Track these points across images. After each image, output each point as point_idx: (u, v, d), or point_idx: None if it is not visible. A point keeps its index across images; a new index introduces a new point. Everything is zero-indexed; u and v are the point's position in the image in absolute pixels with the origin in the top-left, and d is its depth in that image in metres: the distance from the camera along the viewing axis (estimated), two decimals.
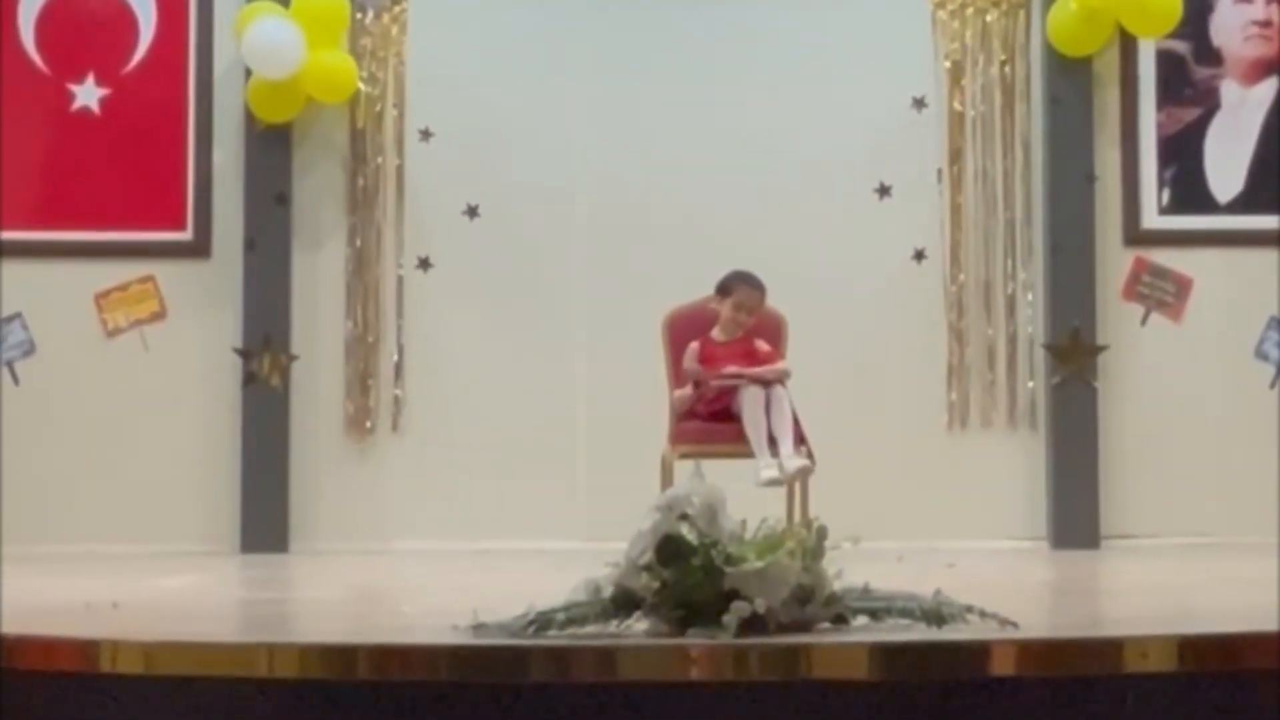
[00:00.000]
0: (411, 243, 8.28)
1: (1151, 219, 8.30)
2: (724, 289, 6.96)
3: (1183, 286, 8.29)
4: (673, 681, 3.28)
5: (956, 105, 8.33)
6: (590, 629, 3.46)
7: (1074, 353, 8.15)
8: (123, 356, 8.19)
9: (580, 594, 3.54)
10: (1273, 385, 8.27)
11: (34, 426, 8.12)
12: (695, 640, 3.36)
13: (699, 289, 7.12)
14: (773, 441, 6.64)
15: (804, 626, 3.50)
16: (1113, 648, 3.38)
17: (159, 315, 8.22)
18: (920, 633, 3.47)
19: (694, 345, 6.89)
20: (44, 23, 8.28)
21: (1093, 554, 7.81)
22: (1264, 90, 8.33)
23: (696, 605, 3.44)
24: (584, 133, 8.31)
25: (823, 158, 8.28)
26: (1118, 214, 8.29)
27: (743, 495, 4.08)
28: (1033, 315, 8.26)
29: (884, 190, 8.29)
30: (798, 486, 6.63)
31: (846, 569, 3.64)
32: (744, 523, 3.58)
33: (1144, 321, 8.29)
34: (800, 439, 6.70)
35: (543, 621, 3.47)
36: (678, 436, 6.85)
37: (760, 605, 3.41)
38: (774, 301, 7.04)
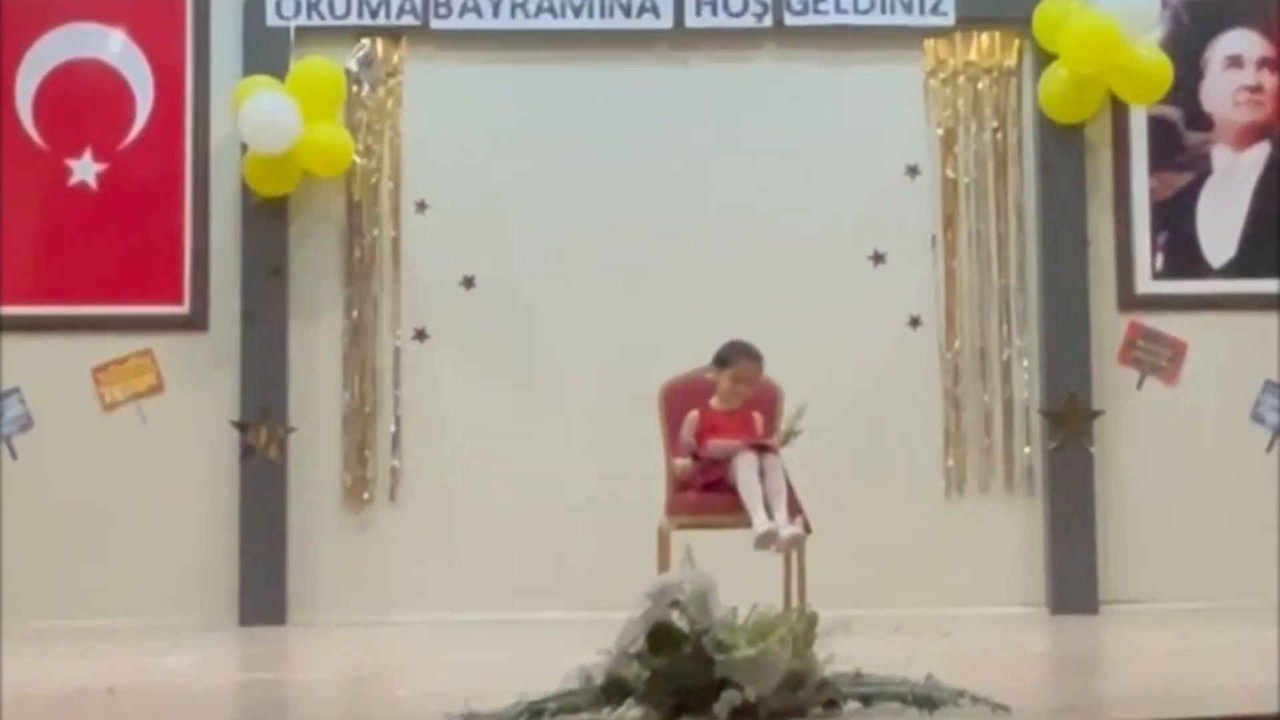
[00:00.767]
0: (408, 314, 8.29)
1: (1145, 284, 8.31)
2: (721, 360, 6.94)
3: (1177, 351, 8.29)
4: None
5: (949, 172, 8.36)
6: (582, 718, 3.45)
7: (1070, 418, 8.15)
8: (120, 430, 8.18)
9: (572, 682, 3.54)
10: (1269, 448, 8.27)
11: (31, 501, 8.10)
12: None
13: (695, 359, 7.09)
14: (767, 508, 6.63)
15: (796, 713, 3.49)
16: None
17: (156, 389, 8.22)
18: (912, 718, 3.45)
19: (693, 414, 6.86)
20: (41, 98, 8.31)
21: (1091, 620, 7.78)
22: (1255, 154, 8.36)
23: (688, 693, 3.44)
24: (580, 202, 8.32)
25: (816, 225, 8.29)
26: (1111, 279, 8.30)
27: (739, 566, 4.09)
28: (1028, 381, 8.26)
29: (878, 258, 8.30)
30: (794, 557, 6.59)
31: (841, 646, 3.63)
32: (735, 609, 3.57)
33: (1139, 386, 8.29)
34: (795, 509, 6.68)
35: (534, 711, 3.47)
36: (674, 507, 6.81)
37: (751, 693, 3.41)
38: (770, 370, 7.01)
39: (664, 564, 6.32)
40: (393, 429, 8.23)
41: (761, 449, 6.71)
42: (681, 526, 6.53)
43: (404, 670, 5.87)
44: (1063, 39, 8.09)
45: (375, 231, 8.30)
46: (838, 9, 8.29)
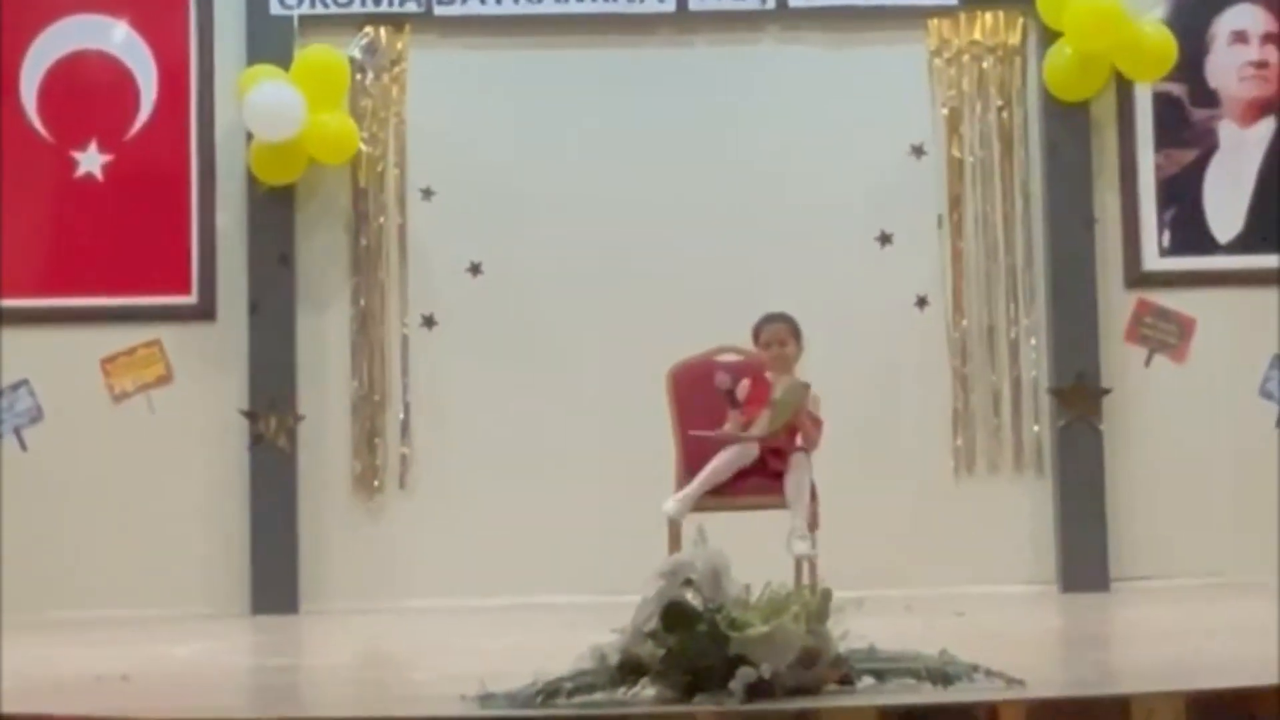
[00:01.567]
0: (415, 301, 8.30)
1: (1153, 261, 8.32)
2: (755, 334, 6.95)
3: (1185, 327, 8.31)
4: None
5: (955, 152, 8.36)
6: (598, 697, 3.45)
7: (1079, 396, 8.16)
8: (129, 421, 8.21)
9: (586, 662, 3.52)
10: (1278, 423, 8.27)
11: (41, 492, 8.13)
12: (703, 706, 3.35)
13: (703, 341, 7.12)
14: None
15: (811, 689, 3.48)
16: (1119, 706, 3.36)
17: (165, 379, 8.24)
18: (926, 693, 3.46)
19: (746, 381, 6.86)
20: (46, 90, 8.33)
21: (1102, 597, 7.80)
22: (1262, 130, 8.37)
23: (703, 671, 3.43)
24: (585, 188, 8.33)
25: (824, 206, 8.31)
26: (1118, 256, 8.31)
27: (750, 545, 4.10)
28: (1036, 359, 8.28)
29: (885, 238, 8.32)
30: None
31: (854, 624, 3.63)
32: (748, 587, 3.57)
33: (1148, 363, 8.30)
34: (814, 522, 6.65)
35: (550, 690, 3.46)
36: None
37: (766, 670, 3.40)
38: None
39: (674, 546, 6.31)
40: (401, 416, 8.25)
41: (776, 450, 6.70)
42: (693, 509, 6.54)
43: (418, 655, 5.87)
44: (1067, 16, 8.09)
45: (382, 219, 8.32)
46: None
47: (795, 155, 8.33)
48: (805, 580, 6.35)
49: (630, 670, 3.49)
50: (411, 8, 8.30)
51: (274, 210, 8.22)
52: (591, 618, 3.71)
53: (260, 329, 8.18)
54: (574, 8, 8.31)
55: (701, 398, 6.95)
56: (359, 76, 8.30)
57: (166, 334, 8.25)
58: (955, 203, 8.35)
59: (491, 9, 8.29)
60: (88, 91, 8.33)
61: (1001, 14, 8.35)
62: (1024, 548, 8.17)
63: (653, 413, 7.11)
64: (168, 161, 8.30)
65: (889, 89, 8.38)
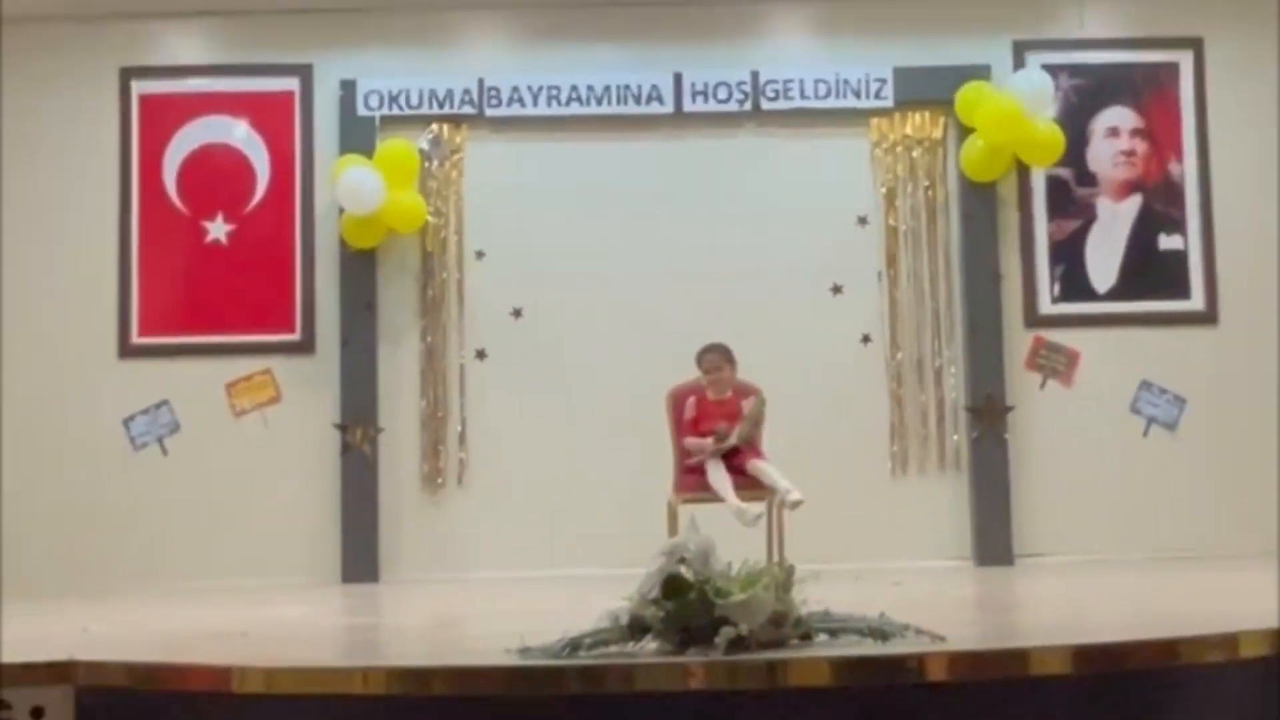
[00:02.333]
0: (470, 339, 8.29)
1: (1046, 306, 8.31)
2: (697, 361, 6.96)
3: (1072, 358, 8.29)
4: (677, 691, 3.26)
5: (891, 221, 8.35)
6: (612, 650, 3.45)
7: (989, 412, 8.15)
8: (247, 432, 8.21)
9: (604, 622, 3.52)
10: (1145, 434, 8.26)
11: (179, 489, 8.14)
12: (694, 658, 3.34)
13: (694, 370, 7.10)
14: (756, 485, 6.60)
15: (779, 644, 3.47)
16: (1021, 656, 3.36)
17: (275, 399, 8.24)
18: (869, 647, 3.45)
19: (692, 400, 6.87)
20: (183, 174, 8.35)
21: (1007, 570, 7.78)
22: (1130, 205, 8.36)
23: (694, 629, 3.42)
24: (602, 249, 8.31)
25: (788, 264, 8.29)
26: (1019, 303, 8.29)
27: (732, 532, 4.09)
28: (956, 384, 8.25)
29: (837, 289, 8.31)
30: (775, 523, 6.59)
31: (813, 590, 3.62)
32: (730, 563, 3.57)
33: (1043, 386, 8.29)
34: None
35: (575, 644, 3.46)
36: (680, 486, 6.81)
37: (744, 629, 3.39)
38: (752, 377, 6.99)
39: (673, 531, 6.28)
40: (459, 429, 8.23)
41: (732, 451, 6.68)
42: (686, 501, 6.53)
43: (472, 615, 5.86)
44: (979, 116, 8.10)
45: (444, 274, 8.31)
46: (802, 96, 8.30)
47: (766, 223, 8.31)
48: (774, 558, 6.35)
49: (637, 629, 3.49)
50: (468, 110, 8.31)
51: (360, 267, 8.22)
52: (607, 587, 3.69)
53: (349, 360, 8.17)
54: (594, 110, 8.30)
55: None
56: (427, 164, 8.31)
57: (276, 364, 8.24)
58: (892, 261, 8.33)
59: (530, 111, 8.29)
60: (215, 175, 8.34)
61: (927, 114, 8.35)
62: (946, 531, 8.14)
63: (655, 425, 7.10)
64: (277, 229, 8.31)
65: (839, 172, 8.36)
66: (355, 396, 8.14)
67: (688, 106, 8.29)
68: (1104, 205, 8.35)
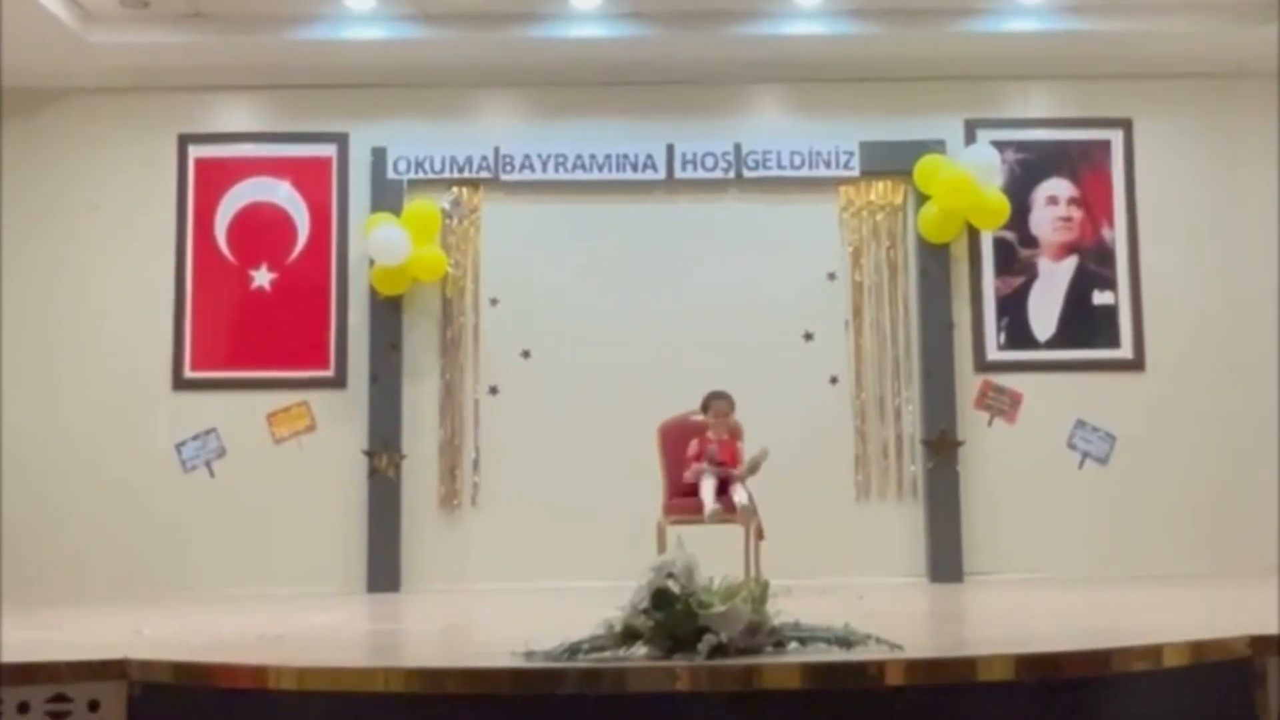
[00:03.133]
0: (484, 376, 8.27)
1: (993, 353, 8.31)
2: (704, 406, 6.97)
3: (1016, 399, 8.29)
4: (664, 692, 3.24)
5: (857, 277, 8.36)
6: (606, 655, 3.43)
7: (942, 446, 8.14)
8: (285, 457, 8.18)
9: (599, 629, 3.50)
10: (1080, 466, 8.25)
11: (223, 506, 8.12)
12: (679, 662, 3.32)
13: (682, 406, 7.12)
14: (731, 509, 6.59)
15: (754, 651, 3.45)
16: (970, 664, 3.34)
17: (311, 428, 8.21)
18: (835, 654, 3.43)
19: (695, 441, 6.87)
20: (232, 228, 8.36)
21: (958, 586, 7.74)
22: (1067, 264, 8.37)
23: (680, 637, 3.40)
24: (602, 299, 8.32)
25: (766, 313, 8.30)
26: (969, 349, 8.29)
27: (714, 551, 4.07)
28: (913, 420, 8.24)
29: (809, 335, 8.31)
30: (752, 545, 6.56)
31: (784, 604, 3.60)
32: (711, 578, 3.55)
33: (990, 423, 8.28)
34: (760, 532, 6.63)
35: (573, 649, 3.44)
36: (668, 509, 6.81)
37: (724, 637, 3.37)
38: (735, 413, 7.02)
39: (662, 549, 6.30)
40: (474, 456, 8.21)
41: (726, 476, 6.70)
42: (674, 523, 6.53)
43: (482, 622, 5.83)
44: (934, 185, 8.14)
45: (462, 319, 8.31)
46: (779, 165, 8.32)
47: (747, 277, 8.32)
48: (751, 574, 6.33)
49: (629, 636, 3.47)
50: (485, 175, 8.33)
51: (387, 312, 8.22)
52: (603, 598, 3.67)
53: (377, 394, 8.16)
54: (596, 176, 8.31)
55: (682, 446, 6.94)
56: (448, 221, 8.32)
57: (312, 397, 8.22)
58: (857, 312, 8.34)
59: (540, 176, 8.31)
60: (261, 229, 8.35)
61: (889, 183, 8.36)
62: (904, 551, 8.12)
63: (646, 454, 7.10)
64: (315, 278, 8.31)
65: (812, 233, 8.37)
66: (382, 426, 8.12)
67: (679, 174, 8.31)
68: (1044, 264, 8.37)
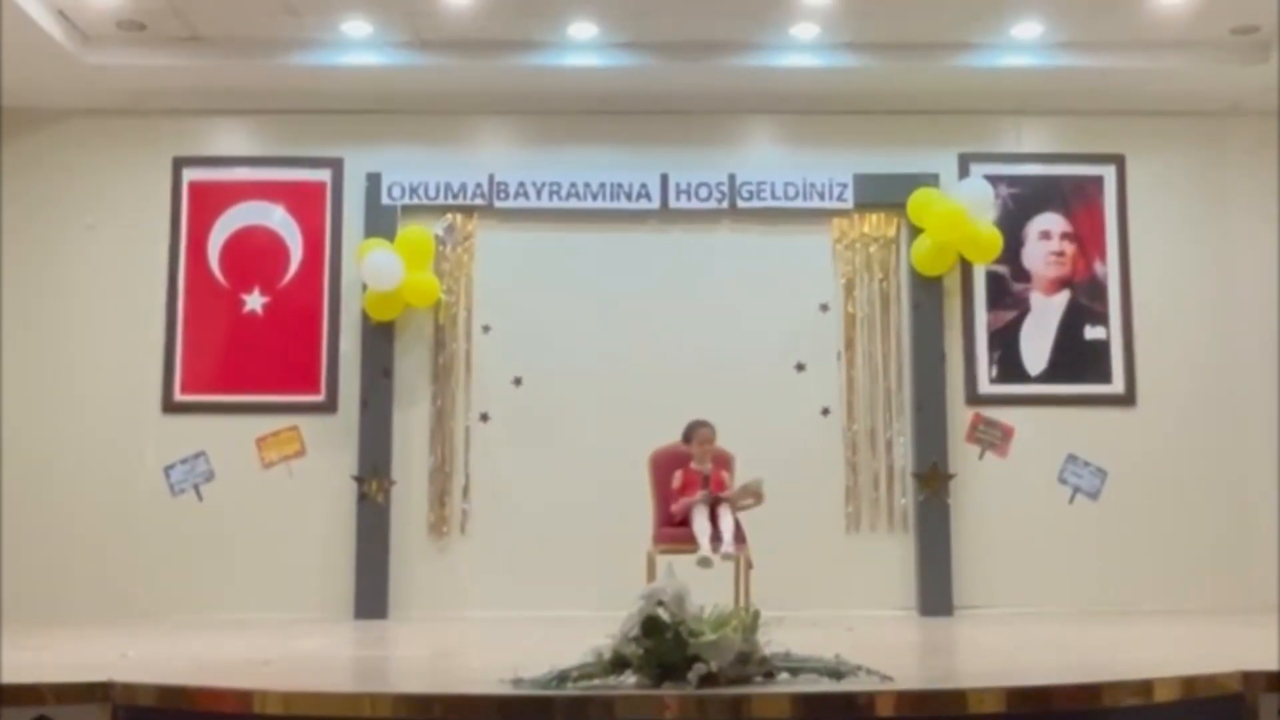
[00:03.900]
0: (475, 403, 8.26)
1: (985, 386, 8.31)
2: (686, 436, 6.95)
3: (1007, 433, 8.29)
4: None
5: (850, 309, 8.37)
6: (595, 683, 3.42)
7: (933, 479, 8.13)
8: (274, 482, 8.15)
9: (588, 657, 3.50)
10: (1071, 501, 8.25)
11: (211, 530, 8.08)
12: (669, 691, 3.31)
13: (673, 436, 7.10)
14: (719, 539, 6.58)
15: (744, 680, 3.45)
16: (960, 696, 3.33)
17: (300, 453, 8.19)
18: (825, 685, 3.42)
19: (679, 472, 6.86)
20: (225, 252, 8.35)
21: (948, 620, 7.72)
22: (1060, 299, 8.39)
23: (669, 666, 3.40)
24: (595, 328, 8.32)
25: (758, 344, 8.30)
26: (961, 382, 8.29)
27: (704, 579, 4.06)
28: (904, 453, 8.23)
29: (800, 366, 8.31)
30: (742, 575, 6.55)
31: (775, 635, 3.59)
32: (702, 606, 3.54)
33: (981, 457, 8.28)
34: (742, 539, 6.64)
35: (562, 677, 3.43)
36: (659, 538, 6.79)
37: (714, 666, 3.37)
38: (724, 444, 7.03)
39: (651, 578, 6.27)
40: (464, 483, 8.19)
41: (716, 501, 6.70)
42: (664, 552, 6.50)
43: (471, 650, 5.81)
44: (928, 218, 8.16)
45: (454, 345, 8.30)
46: (773, 196, 8.33)
47: (739, 307, 8.33)
48: (742, 603, 6.31)
49: (619, 664, 3.46)
50: (479, 202, 8.33)
51: (379, 338, 8.21)
52: (592, 627, 3.66)
53: (368, 420, 8.14)
54: (590, 204, 8.32)
55: (672, 474, 6.92)
56: (441, 248, 8.31)
57: (302, 421, 8.20)
58: (850, 343, 8.34)
59: (534, 204, 8.32)
60: (254, 253, 8.34)
61: (883, 215, 8.38)
62: (894, 584, 8.09)
63: (637, 485, 7.09)
64: (307, 303, 8.30)
65: (804, 264, 8.38)
66: (372, 452, 8.09)
67: (673, 203, 8.33)
68: (1036, 299, 8.39)
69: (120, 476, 8.08)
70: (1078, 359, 8.32)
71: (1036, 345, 8.32)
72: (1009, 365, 8.32)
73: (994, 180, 8.29)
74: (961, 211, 8.03)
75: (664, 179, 8.33)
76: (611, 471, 7.91)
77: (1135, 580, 8.06)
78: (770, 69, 8.01)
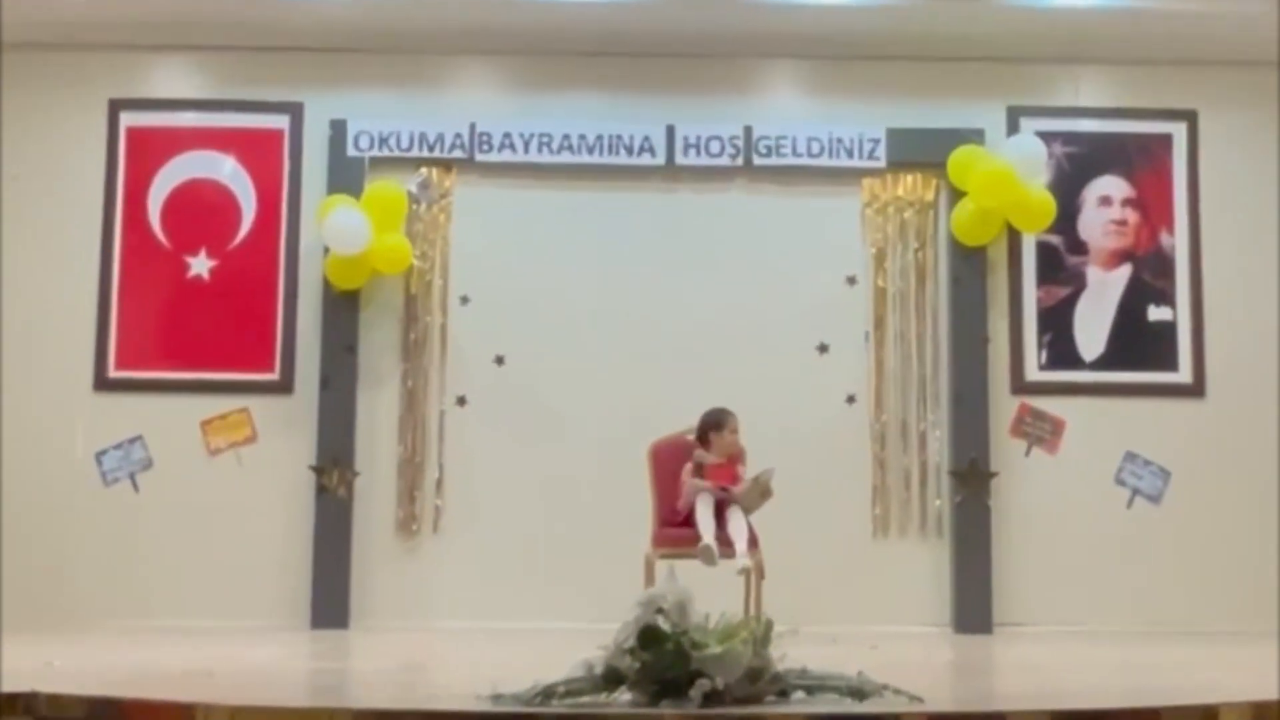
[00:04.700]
0: (451, 384, 8.27)
1: (1033, 373, 8.33)
2: (713, 424, 6.92)
3: (1058, 426, 8.31)
4: None
5: (880, 282, 8.38)
6: (585, 700, 3.43)
7: (972, 477, 8.14)
8: (221, 471, 8.17)
9: (577, 671, 3.51)
10: (1129, 506, 8.27)
11: (148, 526, 8.10)
12: (668, 710, 3.33)
13: (677, 424, 7.11)
14: (728, 543, 6.58)
15: (754, 700, 3.46)
16: (999, 719, 3.35)
17: (251, 439, 8.21)
18: (846, 706, 3.44)
19: (688, 466, 6.85)
20: (167, 208, 8.35)
21: (987, 638, 7.73)
22: (1120, 274, 8.40)
23: (669, 682, 3.41)
24: (589, 299, 8.34)
25: (775, 321, 8.31)
26: (1006, 368, 8.31)
27: (710, 586, 4.07)
28: (939, 448, 8.25)
29: (823, 348, 8.32)
30: (752, 583, 6.56)
31: (790, 649, 3.61)
32: (708, 615, 3.56)
33: (1028, 453, 8.29)
34: (754, 543, 6.65)
35: (547, 693, 3.45)
36: (658, 540, 6.79)
37: (720, 682, 3.38)
38: (763, 458, 6.96)
39: (650, 581, 6.26)
40: (437, 475, 8.21)
41: (725, 499, 6.70)
42: (663, 556, 6.49)
43: (443, 663, 5.82)
44: (971, 180, 8.16)
45: (428, 319, 8.31)
46: (794, 153, 8.34)
47: (755, 280, 8.34)
48: (752, 595, 6.34)
49: (611, 679, 3.48)
50: (458, 154, 8.34)
51: (343, 309, 8.22)
52: (581, 640, 3.67)
53: (328, 402, 8.14)
54: (585, 159, 8.33)
55: (675, 468, 6.93)
56: (414, 206, 8.31)
57: (253, 403, 8.22)
58: (879, 322, 8.36)
59: (521, 157, 8.33)
60: (200, 210, 8.34)
61: (919, 176, 8.39)
62: (925, 596, 8.12)
63: (634, 478, 7.09)
64: (261, 268, 8.31)
65: (829, 231, 8.39)
66: (332, 439, 8.10)
67: (679, 159, 8.33)
68: (1094, 274, 8.39)
69: (45, 463, 8.09)
70: (1139, 343, 8.33)
71: (1093, 327, 8.33)
72: (1061, 349, 8.33)
73: (1047, 138, 8.29)
74: (1010, 173, 8.03)
75: (670, 131, 8.33)
76: (605, 464, 7.93)
77: (1201, 596, 8.08)
78: (793, 6, 8.00)
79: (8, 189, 8.31)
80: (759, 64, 8.48)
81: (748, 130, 8.34)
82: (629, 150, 8.32)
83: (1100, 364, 8.32)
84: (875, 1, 7.97)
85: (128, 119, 8.39)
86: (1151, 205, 8.44)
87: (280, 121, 8.39)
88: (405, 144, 8.31)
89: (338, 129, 8.32)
